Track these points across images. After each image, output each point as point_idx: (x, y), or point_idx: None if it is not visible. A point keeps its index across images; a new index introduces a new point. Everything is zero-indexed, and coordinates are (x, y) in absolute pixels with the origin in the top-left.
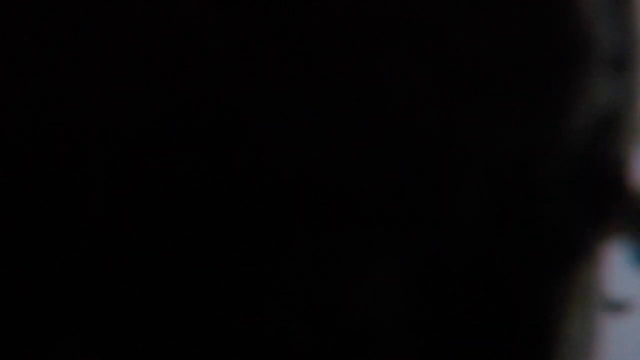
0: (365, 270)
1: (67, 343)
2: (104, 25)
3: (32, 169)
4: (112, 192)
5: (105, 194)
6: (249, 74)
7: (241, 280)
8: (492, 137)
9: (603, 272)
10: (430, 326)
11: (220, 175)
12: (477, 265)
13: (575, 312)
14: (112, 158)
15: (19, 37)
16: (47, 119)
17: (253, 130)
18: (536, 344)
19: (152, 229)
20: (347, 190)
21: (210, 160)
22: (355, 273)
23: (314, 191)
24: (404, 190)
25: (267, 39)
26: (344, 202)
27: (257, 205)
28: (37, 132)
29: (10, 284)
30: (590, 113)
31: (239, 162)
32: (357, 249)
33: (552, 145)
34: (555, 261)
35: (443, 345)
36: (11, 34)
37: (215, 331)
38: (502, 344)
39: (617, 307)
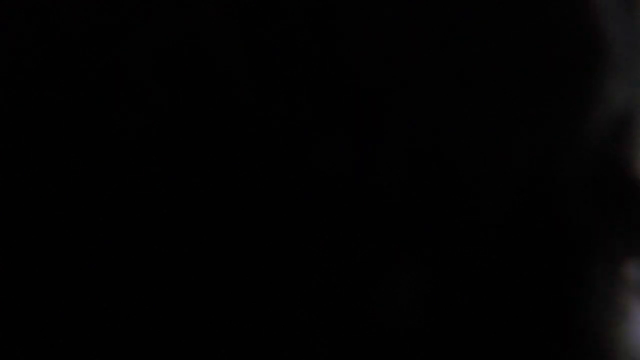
0: (386, 274)
1: (74, 344)
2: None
3: (35, 170)
4: (131, 192)
5: (124, 194)
6: (257, 76)
7: (263, 282)
8: (511, 141)
9: (625, 275)
10: (451, 331)
11: (244, 176)
12: (497, 269)
13: (600, 314)
14: (130, 158)
15: (20, 38)
16: (50, 119)
17: (279, 130)
18: (556, 347)
19: (174, 229)
20: (367, 193)
21: (230, 161)
22: (376, 277)
23: (338, 195)
24: (425, 194)
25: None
26: (364, 206)
27: (279, 208)
28: (38, 132)
29: (12, 285)
30: (606, 114)
31: (261, 164)
32: (377, 252)
33: (570, 147)
34: (576, 263)
35: (463, 350)
36: (12, 34)
37: (235, 331)
38: (522, 347)
39: None
